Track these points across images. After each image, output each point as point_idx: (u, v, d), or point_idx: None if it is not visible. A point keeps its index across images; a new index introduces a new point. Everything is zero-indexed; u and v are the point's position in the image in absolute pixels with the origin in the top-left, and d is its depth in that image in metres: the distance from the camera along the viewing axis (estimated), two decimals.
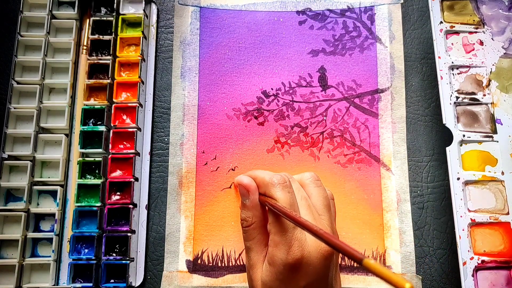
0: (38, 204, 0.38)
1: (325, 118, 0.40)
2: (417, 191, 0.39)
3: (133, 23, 0.41)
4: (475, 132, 0.37)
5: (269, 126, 0.40)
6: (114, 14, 0.40)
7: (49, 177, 0.38)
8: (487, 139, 0.36)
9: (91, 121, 0.39)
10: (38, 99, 0.38)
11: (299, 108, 0.40)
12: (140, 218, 0.38)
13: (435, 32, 0.38)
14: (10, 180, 0.38)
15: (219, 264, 0.37)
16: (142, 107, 0.40)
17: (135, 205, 0.37)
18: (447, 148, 0.36)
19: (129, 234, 0.36)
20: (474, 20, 0.39)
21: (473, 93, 0.37)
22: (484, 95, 0.37)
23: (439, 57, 0.38)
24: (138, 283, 0.37)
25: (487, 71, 0.38)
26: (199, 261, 0.37)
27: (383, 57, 0.41)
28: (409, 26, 0.42)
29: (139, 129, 0.39)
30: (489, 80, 0.38)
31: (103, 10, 0.41)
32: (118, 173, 0.38)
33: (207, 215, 0.38)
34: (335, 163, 0.39)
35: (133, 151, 0.38)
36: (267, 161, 0.39)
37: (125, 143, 0.38)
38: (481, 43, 0.38)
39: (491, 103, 0.37)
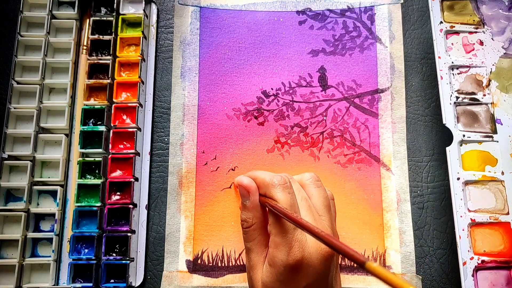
0: (38, 204, 0.38)
1: (325, 118, 0.40)
2: (417, 191, 0.39)
3: (133, 23, 0.41)
4: (475, 132, 0.37)
5: (269, 126, 0.40)
6: (114, 14, 0.40)
7: (49, 177, 0.38)
8: (487, 139, 0.36)
9: (91, 121, 0.39)
10: (38, 99, 0.38)
11: (299, 108, 0.40)
12: (140, 218, 0.38)
13: (435, 32, 0.38)
14: (10, 180, 0.38)
15: (219, 264, 0.37)
16: (142, 107, 0.40)
17: (135, 205, 0.37)
18: (447, 148, 0.36)
19: (129, 234, 0.36)
20: (474, 20, 0.39)
21: (473, 93, 0.37)
22: (484, 95, 0.37)
23: (439, 57, 0.38)
24: (138, 283, 0.37)
25: (487, 71, 0.38)
26: (199, 261, 0.37)
27: (383, 57, 0.41)
28: (409, 26, 0.42)
29: (139, 129, 0.39)
30: (489, 80, 0.38)
31: (103, 10, 0.41)
32: (118, 173, 0.38)
33: (207, 215, 0.38)
34: (335, 163, 0.39)
35: (133, 151, 0.38)
36: (267, 161, 0.39)
37: (125, 143, 0.38)
38: (481, 43, 0.38)
39: (491, 103, 0.37)
